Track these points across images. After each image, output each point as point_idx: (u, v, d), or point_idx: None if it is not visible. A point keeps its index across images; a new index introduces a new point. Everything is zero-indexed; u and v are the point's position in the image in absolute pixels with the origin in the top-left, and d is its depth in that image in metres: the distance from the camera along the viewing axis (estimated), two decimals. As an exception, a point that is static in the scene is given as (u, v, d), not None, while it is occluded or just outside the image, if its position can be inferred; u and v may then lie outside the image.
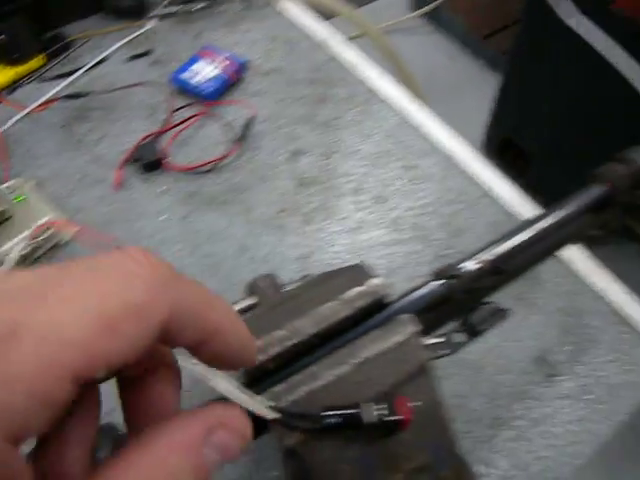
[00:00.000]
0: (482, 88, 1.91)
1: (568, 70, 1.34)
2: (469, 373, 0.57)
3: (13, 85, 0.79)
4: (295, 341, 0.38)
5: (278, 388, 0.36)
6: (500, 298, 0.60)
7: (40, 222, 0.63)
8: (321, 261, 0.61)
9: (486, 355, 0.57)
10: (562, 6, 0.69)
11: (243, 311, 0.49)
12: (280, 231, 0.63)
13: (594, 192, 0.46)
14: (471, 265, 0.43)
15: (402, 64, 0.92)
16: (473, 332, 0.46)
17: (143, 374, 0.21)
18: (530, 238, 0.45)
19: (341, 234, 0.63)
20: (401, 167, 0.68)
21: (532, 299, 0.61)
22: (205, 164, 0.67)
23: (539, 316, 0.60)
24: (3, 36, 0.75)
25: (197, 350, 0.20)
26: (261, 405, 0.34)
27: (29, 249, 0.60)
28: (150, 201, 0.66)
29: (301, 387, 0.36)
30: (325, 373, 0.37)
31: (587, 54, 1.18)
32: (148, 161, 0.67)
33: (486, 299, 0.47)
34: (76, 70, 0.79)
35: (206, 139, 0.71)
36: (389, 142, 0.70)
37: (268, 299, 0.49)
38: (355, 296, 0.40)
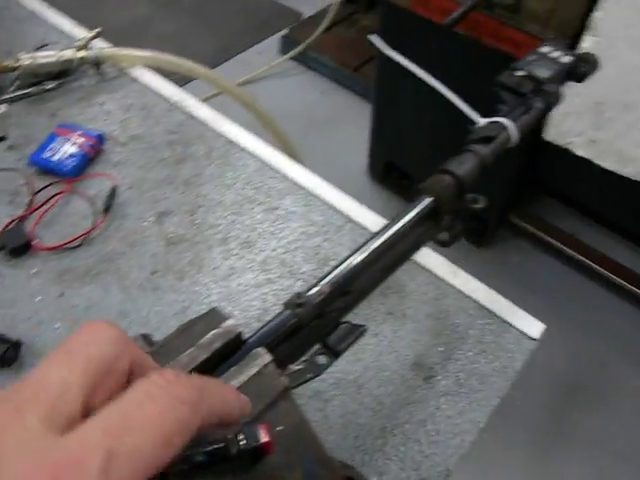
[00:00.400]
0: (359, 117, 2.01)
1: (419, 96, 1.46)
2: (352, 392, 0.60)
3: None
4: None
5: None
6: (370, 315, 0.65)
7: None
8: (198, 313, 0.63)
9: (365, 372, 0.61)
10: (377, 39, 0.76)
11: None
12: (156, 291, 0.65)
13: (423, 204, 0.51)
14: (315, 291, 0.47)
15: (262, 112, 0.96)
16: (334, 353, 0.50)
17: None
18: (369, 256, 0.49)
19: (214, 284, 0.65)
20: (264, 210, 0.72)
21: (402, 311, 0.66)
22: (73, 240, 0.69)
23: (410, 325, 0.65)
24: None
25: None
26: None
27: None
28: (22, 285, 0.66)
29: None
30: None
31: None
32: (14, 246, 0.68)
33: (344, 318, 0.51)
34: None
35: (72, 215, 0.72)
36: (251, 188, 0.74)
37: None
38: (211, 339, 0.43)
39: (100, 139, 0.78)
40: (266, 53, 2.39)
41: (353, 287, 0.50)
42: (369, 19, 2.44)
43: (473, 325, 0.65)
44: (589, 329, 1.68)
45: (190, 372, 0.41)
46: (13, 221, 0.71)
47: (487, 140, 0.55)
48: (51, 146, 0.77)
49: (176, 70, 0.92)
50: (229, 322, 0.44)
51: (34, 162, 0.76)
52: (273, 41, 2.44)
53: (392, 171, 1.90)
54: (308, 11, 2.56)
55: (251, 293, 0.65)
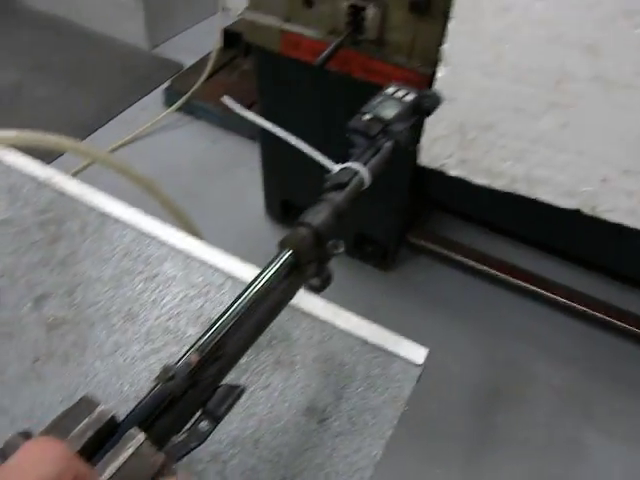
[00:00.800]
0: (251, 160, 2.04)
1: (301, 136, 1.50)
2: (250, 447, 0.61)
3: None
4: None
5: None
6: (259, 368, 0.66)
7: None
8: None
9: (261, 426, 0.63)
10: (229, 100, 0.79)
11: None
12: (39, 381, 0.63)
13: (283, 258, 0.53)
14: (184, 362, 0.48)
15: (137, 176, 0.97)
16: (215, 418, 0.51)
17: None
18: (235, 318, 0.51)
19: (100, 362, 0.65)
20: (144, 279, 0.72)
21: (289, 359, 0.68)
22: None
23: (300, 372, 0.67)
24: None
25: None
26: None
27: None
28: None
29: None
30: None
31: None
32: None
33: (223, 382, 0.52)
34: None
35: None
36: (129, 259, 0.74)
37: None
38: (84, 429, 0.43)
39: (-34, 230, 0.76)
40: (151, 108, 2.39)
41: (224, 351, 0.51)
42: (250, 63, 2.50)
43: (360, 361, 0.68)
44: (499, 332, 1.77)
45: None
46: None
47: (340, 187, 0.59)
48: None
49: (44, 146, 0.91)
50: (100, 408, 0.44)
51: None
52: (156, 95, 2.44)
53: (290, 209, 1.94)
54: (189, 61, 2.59)
55: (138, 365, 0.65)
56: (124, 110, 2.37)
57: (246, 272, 0.73)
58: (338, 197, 0.57)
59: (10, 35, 2.73)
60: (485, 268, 1.84)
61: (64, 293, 0.71)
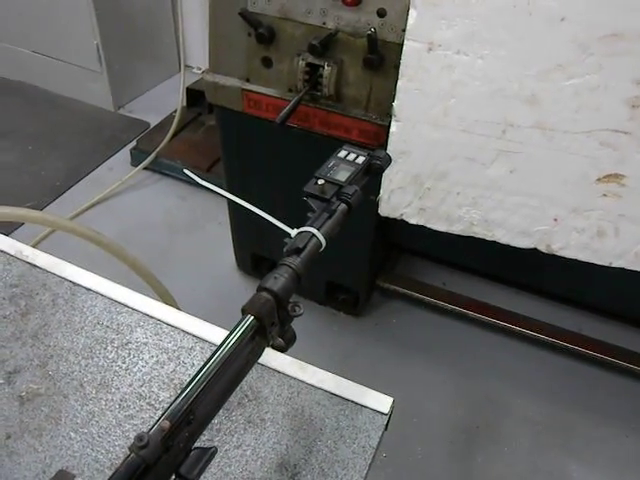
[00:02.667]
0: (220, 215, 2.07)
1: (267, 189, 1.55)
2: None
3: None
4: None
5: None
6: (231, 427, 0.68)
7: None
8: (62, 467, 0.63)
9: (236, 486, 0.64)
10: (190, 173, 0.83)
11: None
12: (12, 457, 0.64)
13: (246, 323, 0.56)
14: (156, 429, 0.50)
15: (104, 241, 1.00)
16: (189, 480, 0.53)
17: None
18: (203, 384, 0.53)
19: (74, 433, 0.66)
20: (116, 347, 0.74)
21: (260, 417, 0.70)
22: None
23: (271, 429, 0.69)
24: None
25: None
26: None
27: None
28: None
29: None
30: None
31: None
32: None
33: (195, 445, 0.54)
34: None
35: None
36: (100, 328, 0.76)
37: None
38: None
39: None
40: (118, 167, 2.42)
41: (195, 415, 0.53)
42: (213, 119, 2.56)
43: (328, 414, 0.70)
44: (475, 370, 1.80)
45: None
46: None
47: (298, 251, 0.62)
48: None
49: (10, 220, 0.93)
50: (75, 481, 0.46)
51: None
52: (123, 154, 2.48)
53: (260, 261, 1.97)
54: (154, 119, 2.64)
55: (113, 433, 0.66)
56: (92, 171, 2.40)
57: (215, 334, 0.75)
58: (296, 261, 0.61)
59: (-26, 104, 2.77)
60: (456, 308, 1.88)
61: (37, 366, 0.73)
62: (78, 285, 0.82)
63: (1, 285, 0.82)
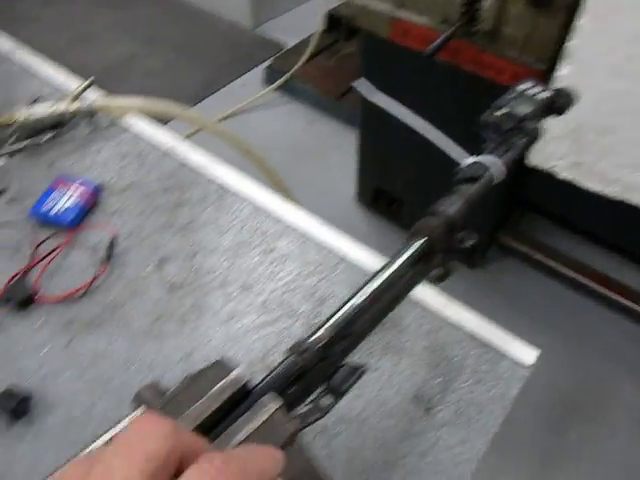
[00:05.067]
0: (345, 145, 2.05)
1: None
2: (355, 427, 0.62)
3: None
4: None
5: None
6: (369, 350, 0.67)
7: None
8: (202, 357, 0.65)
9: (367, 407, 0.63)
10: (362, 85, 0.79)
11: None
12: (159, 338, 0.67)
13: (416, 245, 0.53)
14: (318, 337, 0.50)
15: (247, 146, 0.99)
16: (337, 394, 0.52)
17: None
18: (367, 300, 0.52)
19: (216, 328, 0.68)
20: (261, 253, 0.74)
21: (399, 345, 0.68)
22: (77, 291, 0.70)
23: (408, 359, 0.67)
24: None
25: None
26: None
27: None
28: (28, 337, 0.68)
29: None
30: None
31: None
32: (19, 299, 0.70)
33: (346, 360, 0.53)
34: None
35: (74, 266, 0.74)
36: (246, 232, 0.76)
37: (154, 408, 0.52)
38: (220, 390, 0.45)
39: (97, 189, 0.81)
40: (250, 85, 2.43)
41: (352, 331, 0.52)
42: (350, 48, 2.50)
43: (468, 356, 0.68)
44: (585, 344, 1.70)
45: (203, 423, 0.43)
46: (16, 275, 0.73)
47: (472, 180, 0.58)
48: (50, 198, 0.79)
49: (168, 115, 0.95)
50: (235, 372, 0.46)
51: (34, 215, 0.78)
52: (257, 73, 2.48)
53: (381, 196, 1.94)
54: (291, 42, 2.61)
55: (252, 335, 0.67)
56: (225, 85, 2.43)
57: (361, 255, 0.74)
58: (471, 190, 0.57)
59: (127, 10, 2.85)
60: (577, 277, 1.77)
61: (184, 258, 0.74)
62: (226, 187, 0.82)
63: (156, 176, 0.84)
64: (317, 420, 0.50)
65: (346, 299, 0.51)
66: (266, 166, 1.01)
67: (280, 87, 2.37)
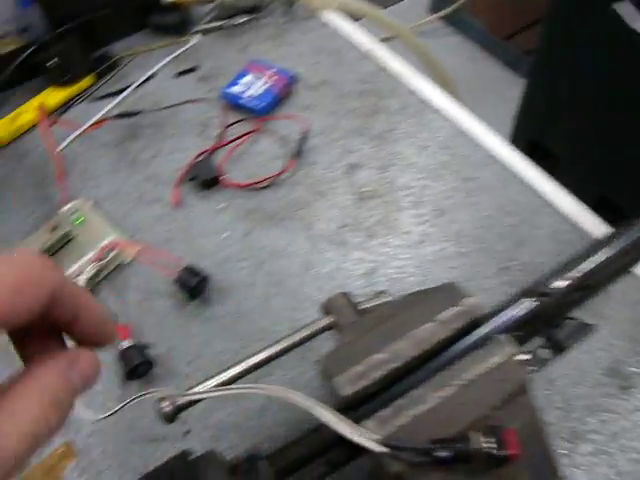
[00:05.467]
0: (503, 90, 1.90)
1: (603, 66, 1.33)
2: (542, 386, 0.56)
3: (64, 106, 0.79)
4: (396, 365, 0.38)
5: (384, 413, 0.36)
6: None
7: (103, 243, 0.63)
8: (386, 276, 0.61)
9: (558, 367, 0.57)
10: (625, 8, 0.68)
11: (321, 331, 0.49)
12: (343, 247, 0.63)
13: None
14: (560, 282, 0.43)
15: (437, 65, 0.91)
16: (559, 348, 0.46)
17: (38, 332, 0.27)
18: (613, 255, 0.45)
19: (404, 248, 0.62)
20: (458, 179, 0.68)
21: (600, 310, 0.60)
22: (263, 180, 0.67)
23: (608, 327, 0.60)
24: (56, 59, 0.76)
25: (68, 328, 0.27)
26: (367, 438, 0.34)
27: (94, 271, 0.61)
28: (209, 219, 0.66)
29: (407, 411, 0.36)
30: (430, 396, 0.37)
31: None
32: (205, 178, 0.67)
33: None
34: (125, 88, 0.80)
35: (261, 155, 0.71)
36: (445, 154, 0.70)
37: (345, 318, 0.48)
38: (451, 317, 0.40)
39: (292, 80, 0.76)
40: (414, 10, 2.30)
41: (589, 283, 0.46)
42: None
43: (679, 337, 0.59)
44: None
45: (429, 349, 0.38)
46: (204, 152, 0.71)
47: None
48: (243, 81, 0.76)
49: (366, 16, 0.88)
50: (470, 300, 0.41)
51: (225, 96, 0.75)
52: (423, -1, 2.34)
53: (535, 150, 1.80)
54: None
55: (441, 264, 0.61)
56: (391, 5, 2.31)
57: (565, 203, 0.65)
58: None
59: None
60: None
61: (377, 168, 0.69)
62: (427, 102, 0.75)
63: (352, 78, 0.78)
64: (533, 373, 0.44)
65: (593, 248, 0.45)
66: (456, 92, 0.93)
67: (445, 17, 2.22)
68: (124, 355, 0.55)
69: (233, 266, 0.62)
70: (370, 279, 0.60)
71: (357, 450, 0.36)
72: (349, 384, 0.37)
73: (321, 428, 0.38)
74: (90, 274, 0.60)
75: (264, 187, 0.68)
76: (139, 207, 0.68)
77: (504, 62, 2.12)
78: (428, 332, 0.39)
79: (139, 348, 0.55)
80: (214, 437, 0.52)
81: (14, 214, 0.70)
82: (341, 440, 0.35)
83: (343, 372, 0.38)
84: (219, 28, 0.86)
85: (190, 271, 0.59)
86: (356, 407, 0.37)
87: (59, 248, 0.63)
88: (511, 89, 1.74)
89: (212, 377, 0.43)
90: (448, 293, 0.41)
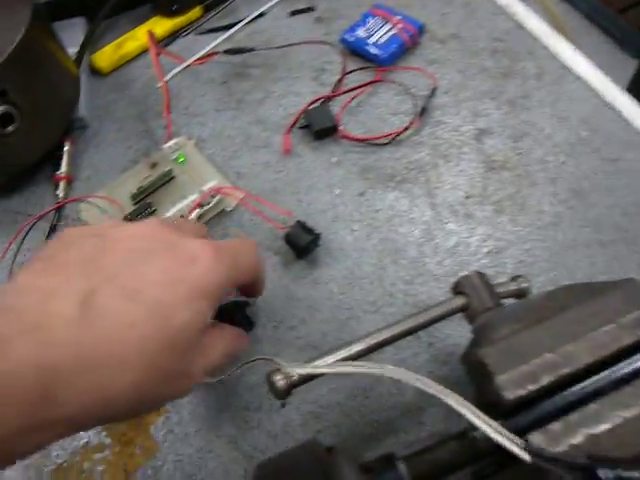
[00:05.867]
0: (608, 68, 1.76)
1: None
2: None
3: (170, 37, 0.75)
4: (568, 370, 0.32)
5: (555, 427, 0.31)
6: None
7: (206, 187, 0.59)
8: (514, 258, 0.54)
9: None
10: None
11: (452, 312, 0.43)
12: (468, 220, 0.57)
13: None
14: None
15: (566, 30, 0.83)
16: None
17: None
18: None
19: (535, 229, 0.56)
20: (600, 158, 0.60)
21: None
22: (383, 136, 0.61)
23: None
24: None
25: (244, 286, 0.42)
26: (513, 444, 0.29)
27: (196, 217, 0.56)
28: (321, 172, 0.61)
29: (581, 429, 0.30)
30: (611, 414, 0.31)
31: None
32: (320, 128, 0.62)
33: None
34: (235, 24, 0.74)
35: (381, 108, 0.65)
36: (586, 128, 0.62)
37: (481, 302, 0.43)
38: (636, 321, 0.34)
39: (420, 30, 0.69)
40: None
41: None
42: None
43: None
44: None
45: (606, 356, 0.32)
46: (319, 99, 0.65)
47: None
48: (366, 27, 0.69)
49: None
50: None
51: (346, 40, 0.69)
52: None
53: None
54: None
55: (577, 252, 0.55)
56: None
57: None
58: None
59: None
60: None
61: (508, 137, 0.62)
62: (569, 69, 0.67)
63: (484, 34, 0.70)
64: None
65: None
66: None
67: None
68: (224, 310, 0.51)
69: (345, 227, 0.57)
70: (496, 259, 0.54)
71: (506, 461, 0.31)
72: (514, 386, 0.32)
73: (469, 434, 0.33)
74: (192, 220, 0.56)
75: (384, 144, 0.62)
76: (244, 151, 0.63)
77: (611, 38, 1.97)
78: (608, 336, 0.33)
79: (240, 306, 0.51)
80: (313, 414, 0.47)
81: (112, 146, 0.66)
82: (496, 450, 0.30)
83: (507, 371, 0.32)
84: (339, -34, 0.79)
85: (302, 227, 0.54)
86: (514, 413, 0.32)
87: (159, 186, 0.59)
88: (616, 69, 1.61)
89: (330, 353, 0.39)
90: (631, 292, 0.35)
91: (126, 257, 0.30)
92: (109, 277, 0.29)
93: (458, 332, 0.50)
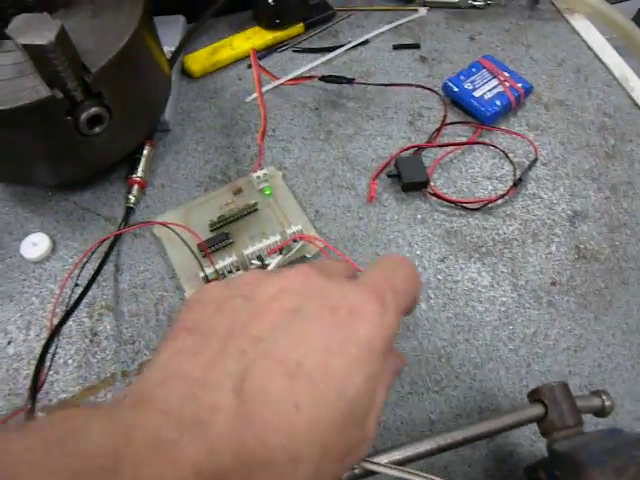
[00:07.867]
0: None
1: None
2: None
3: (267, 49, 0.73)
4: None
5: None
6: None
7: (290, 231, 0.56)
8: (592, 360, 0.51)
9: None
10: None
11: (526, 421, 0.41)
12: (550, 309, 0.54)
13: None
14: None
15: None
16: None
17: None
18: None
19: (619, 333, 0.53)
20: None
21: None
22: (475, 202, 0.59)
23: None
24: (274, -1, 0.69)
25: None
26: None
27: (279, 263, 0.54)
28: (403, 228, 0.58)
29: None
30: None
31: None
32: (410, 181, 0.59)
33: None
34: (335, 47, 0.72)
35: (475, 169, 0.62)
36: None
37: (561, 417, 0.40)
38: None
39: (527, 92, 0.66)
40: None
41: None
42: None
43: None
44: None
45: None
46: (412, 147, 0.62)
47: None
48: (471, 78, 0.66)
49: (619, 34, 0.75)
50: None
51: (449, 88, 0.66)
52: None
53: None
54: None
55: (662, 364, 0.52)
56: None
57: None
58: None
59: None
60: None
61: (605, 225, 0.58)
62: (678, 160, 0.63)
63: (593, 106, 0.67)
64: None
65: None
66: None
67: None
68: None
69: (421, 292, 0.54)
70: (573, 357, 0.51)
71: None
72: None
73: None
74: (275, 265, 0.53)
75: (473, 209, 0.59)
76: (326, 189, 0.61)
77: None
78: None
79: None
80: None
81: (191, 156, 0.64)
82: None
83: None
84: (448, 5, 0.76)
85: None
86: None
87: (240, 217, 0.57)
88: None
89: (390, 450, 0.37)
90: None
91: (279, 321, 0.26)
92: (263, 350, 0.25)
93: (521, 431, 0.48)
